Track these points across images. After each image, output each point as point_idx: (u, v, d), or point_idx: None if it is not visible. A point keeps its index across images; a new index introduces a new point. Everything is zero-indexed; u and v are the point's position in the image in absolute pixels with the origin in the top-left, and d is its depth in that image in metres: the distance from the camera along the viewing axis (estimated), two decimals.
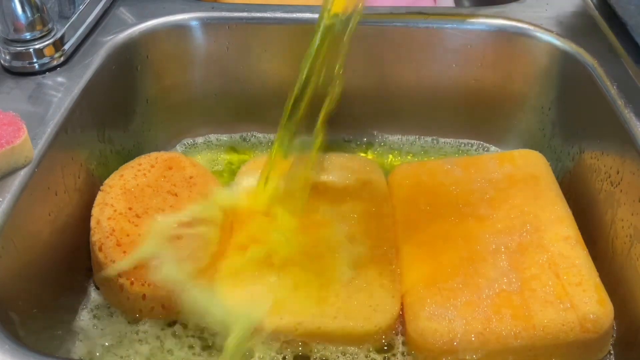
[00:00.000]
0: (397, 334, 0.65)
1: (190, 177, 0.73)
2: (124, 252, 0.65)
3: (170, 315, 0.66)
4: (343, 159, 0.80)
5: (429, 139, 0.89)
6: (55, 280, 0.65)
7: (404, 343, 0.64)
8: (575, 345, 0.62)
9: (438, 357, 0.62)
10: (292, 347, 0.63)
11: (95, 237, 0.67)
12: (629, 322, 0.64)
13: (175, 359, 0.64)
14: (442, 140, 0.89)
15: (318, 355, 0.63)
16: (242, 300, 0.65)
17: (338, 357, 0.63)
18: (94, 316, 0.67)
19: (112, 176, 0.72)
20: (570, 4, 0.84)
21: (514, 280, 0.65)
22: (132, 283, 0.64)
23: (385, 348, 0.64)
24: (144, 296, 0.65)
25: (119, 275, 0.65)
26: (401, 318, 0.65)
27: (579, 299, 0.63)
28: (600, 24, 0.80)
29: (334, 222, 0.72)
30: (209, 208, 0.70)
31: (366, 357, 0.63)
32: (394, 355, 0.64)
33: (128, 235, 0.66)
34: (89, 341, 0.65)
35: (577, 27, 0.80)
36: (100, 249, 0.66)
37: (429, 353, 0.62)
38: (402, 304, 0.65)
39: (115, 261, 0.65)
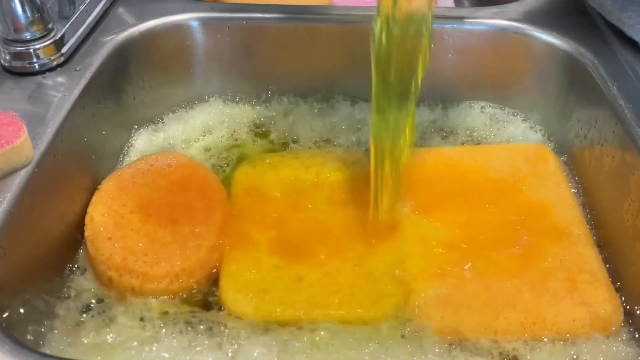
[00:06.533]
0: (402, 321, 0.64)
1: (190, 175, 0.73)
2: (114, 245, 0.65)
3: (160, 307, 0.65)
4: (334, 154, 0.80)
5: None
6: (56, 279, 0.65)
7: (409, 330, 0.64)
8: (584, 342, 0.62)
9: (443, 345, 0.62)
10: (295, 335, 0.63)
11: (88, 232, 0.67)
12: (638, 321, 0.64)
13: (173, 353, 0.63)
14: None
15: (325, 341, 0.62)
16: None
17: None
18: (94, 313, 0.67)
19: (110, 176, 0.72)
20: (570, 4, 0.84)
21: (524, 274, 0.64)
22: (120, 276, 0.65)
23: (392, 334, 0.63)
24: (132, 289, 0.65)
25: (108, 268, 0.65)
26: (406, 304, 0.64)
27: (590, 296, 0.63)
28: (600, 24, 0.80)
29: (333, 215, 0.72)
30: None
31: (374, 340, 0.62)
32: (401, 341, 0.63)
33: (119, 230, 0.66)
34: (88, 337, 0.65)
35: (577, 26, 0.80)
36: (92, 243, 0.66)
37: (434, 340, 0.62)
38: (407, 291, 0.65)
39: (105, 255, 0.65)
